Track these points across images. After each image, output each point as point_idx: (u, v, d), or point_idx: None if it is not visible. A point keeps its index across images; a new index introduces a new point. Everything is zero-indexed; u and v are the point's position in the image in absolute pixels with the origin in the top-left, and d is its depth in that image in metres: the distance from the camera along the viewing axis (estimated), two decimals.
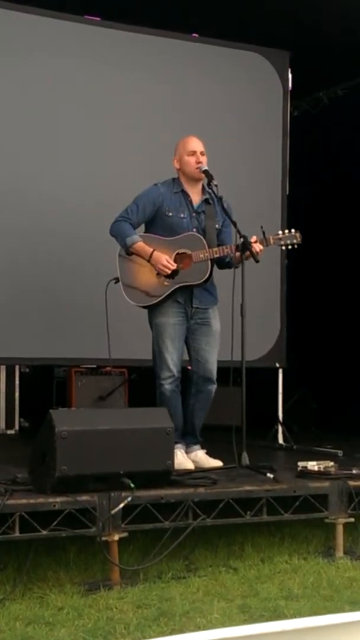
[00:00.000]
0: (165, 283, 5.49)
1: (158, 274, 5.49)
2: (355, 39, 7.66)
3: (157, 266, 5.47)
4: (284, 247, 5.75)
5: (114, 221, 5.57)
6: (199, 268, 5.50)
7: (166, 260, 5.45)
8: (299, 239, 5.64)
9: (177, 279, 5.49)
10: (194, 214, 5.61)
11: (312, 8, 7.37)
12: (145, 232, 5.64)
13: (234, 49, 7.62)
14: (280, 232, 5.69)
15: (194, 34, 7.53)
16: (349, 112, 8.77)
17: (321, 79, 8.72)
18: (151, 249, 5.48)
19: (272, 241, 5.58)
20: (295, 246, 5.67)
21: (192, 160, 5.58)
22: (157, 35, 7.33)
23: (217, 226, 5.63)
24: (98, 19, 7.19)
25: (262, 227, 5.49)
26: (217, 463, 5.56)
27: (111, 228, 5.57)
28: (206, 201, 5.64)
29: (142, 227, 5.67)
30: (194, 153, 5.58)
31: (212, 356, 5.64)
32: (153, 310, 5.57)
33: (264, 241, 5.53)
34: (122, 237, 5.51)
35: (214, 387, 5.67)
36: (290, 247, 5.68)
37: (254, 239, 5.44)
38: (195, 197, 5.65)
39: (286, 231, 5.69)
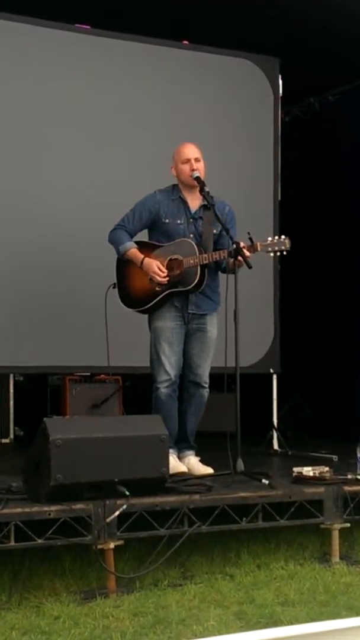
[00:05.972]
0: (157, 289, 5.52)
1: (150, 280, 5.52)
2: (346, 45, 7.68)
3: (149, 273, 5.51)
4: (272, 254, 5.58)
5: (112, 229, 5.66)
6: (189, 274, 5.51)
7: (157, 266, 5.49)
8: (287, 246, 5.48)
9: (167, 285, 5.52)
10: (191, 220, 5.63)
11: (303, 14, 7.39)
12: (148, 238, 5.69)
13: (225, 56, 7.63)
14: (269, 238, 5.54)
15: (185, 41, 7.55)
16: (340, 118, 8.80)
17: (312, 85, 8.74)
18: (142, 256, 5.52)
19: (259, 247, 5.43)
20: (284, 253, 5.53)
21: (186, 168, 5.60)
22: (148, 43, 7.33)
23: (214, 231, 5.61)
24: (88, 27, 7.20)
25: (249, 233, 5.37)
26: (208, 470, 5.55)
27: (109, 236, 5.68)
28: (205, 207, 5.63)
29: (146, 232, 5.71)
30: (187, 161, 5.60)
31: (204, 362, 5.65)
32: (152, 314, 5.62)
33: (251, 248, 5.41)
34: (117, 244, 5.63)
35: (205, 392, 5.68)
36: (279, 253, 5.54)
37: (241, 244, 5.36)
38: (194, 202, 5.65)
39: (275, 237, 5.55)
